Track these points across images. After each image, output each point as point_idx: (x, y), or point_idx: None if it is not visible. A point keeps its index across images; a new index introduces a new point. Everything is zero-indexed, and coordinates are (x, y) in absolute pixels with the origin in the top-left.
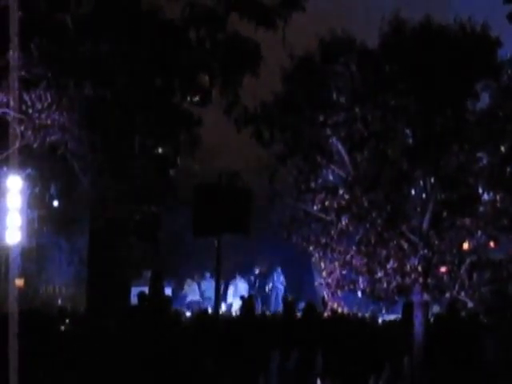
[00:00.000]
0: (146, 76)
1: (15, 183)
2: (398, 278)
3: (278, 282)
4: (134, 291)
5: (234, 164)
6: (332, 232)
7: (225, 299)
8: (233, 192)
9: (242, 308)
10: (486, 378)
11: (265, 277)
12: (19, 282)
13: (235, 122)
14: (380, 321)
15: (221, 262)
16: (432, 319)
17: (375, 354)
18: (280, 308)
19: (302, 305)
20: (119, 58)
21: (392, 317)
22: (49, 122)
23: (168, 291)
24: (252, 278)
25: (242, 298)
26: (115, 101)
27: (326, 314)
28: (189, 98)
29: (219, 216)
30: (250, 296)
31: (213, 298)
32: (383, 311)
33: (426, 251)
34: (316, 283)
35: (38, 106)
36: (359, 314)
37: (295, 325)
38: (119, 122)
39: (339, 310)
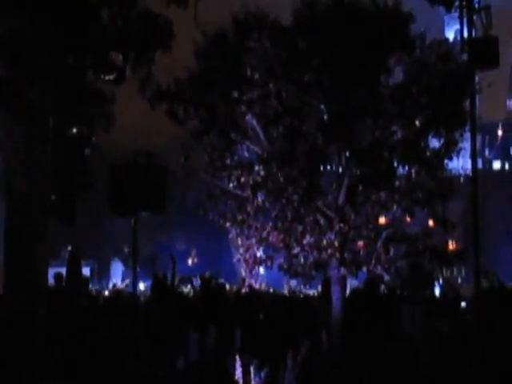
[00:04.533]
0: (58, 54)
1: None
2: (315, 254)
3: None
4: (52, 272)
5: (151, 142)
6: (248, 208)
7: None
8: (147, 170)
9: (155, 286)
10: (402, 350)
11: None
12: None
13: (149, 99)
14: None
15: (138, 241)
16: (349, 293)
17: (294, 329)
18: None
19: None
20: (30, 35)
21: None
22: None
23: (86, 271)
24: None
25: (154, 276)
26: (27, 80)
27: (243, 290)
28: (102, 76)
29: (134, 195)
30: (163, 275)
31: None
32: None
33: (342, 226)
34: (234, 260)
35: None
36: (280, 290)
37: (212, 302)
38: (31, 101)
39: (257, 286)
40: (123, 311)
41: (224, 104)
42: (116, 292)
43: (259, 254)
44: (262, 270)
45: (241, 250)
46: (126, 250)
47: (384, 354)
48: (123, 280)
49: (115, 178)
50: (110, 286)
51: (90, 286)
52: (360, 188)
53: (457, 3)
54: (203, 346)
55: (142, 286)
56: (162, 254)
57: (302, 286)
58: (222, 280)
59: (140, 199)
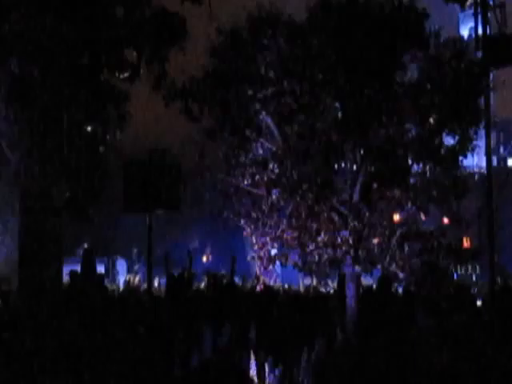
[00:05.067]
0: (73, 52)
1: None
2: (330, 251)
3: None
4: (67, 270)
5: (166, 140)
6: (263, 206)
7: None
8: (162, 168)
9: (170, 284)
10: (416, 349)
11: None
12: None
13: (163, 97)
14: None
15: (153, 239)
16: (362, 291)
17: (308, 326)
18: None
19: (236, 279)
20: (45, 33)
21: None
22: None
23: (101, 268)
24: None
25: (168, 274)
26: (42, 78)
27: (258, 288)
28: (117, 74)
29: (149, 192)
30: (182, 272)
31: None
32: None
33: (356, 223)
34: (248, 257)
35: None
36: (294, 287)
37: (225, 299)
38: (46, 99)
39: (271, 284)
40: (138, 309)
41: (238, 102)
42: (130, 289)
43: (274, 251)
44: (276, 267)
45: (255, 248)
46: (135, 249)
47: (398, 354)
48: (126, 281)
49: (130, 176)
50: (121, 283)
51: (106, 282)
52: (374, 185)
53: (471, 0)
54: (218, 344)
55: (155, 282)
56: (174, 252)
57: (314, 282)
58: (236, 277)
59: (155, 196)
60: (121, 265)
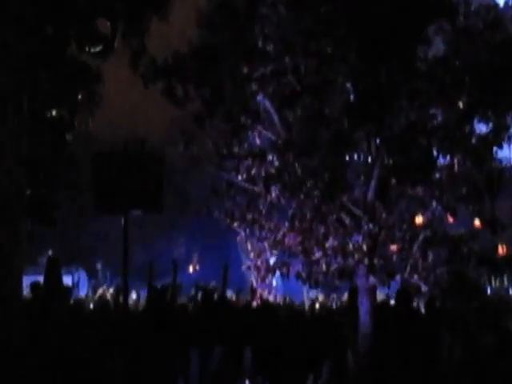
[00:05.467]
0: (34, 22)
1: None
2: (339, 259)
3: None
4: (28, 281)
5: (145, 128)
6: (260, 206)
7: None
8: (141, 161)
9: (152, 300)
10: (440, 378)
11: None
12: None
13: (142, 77)
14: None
15: (129, 245)
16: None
17: (314, 348)
18: None
19: (229, 293)
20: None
21: None
22: None
23: (67, 280)
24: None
25: (149, 286)
26: None
27: (254, 303)
28: (87, 49)
29: (125, 189)
30: (166, 285)
31: None
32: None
33: (371, 226)
34: (243, 267)
35: None
36: (297, 302)
37: (216, 317)
38: (1, 78)
39: (271, 298)
40: (113, 329)
41: (231, 82)
42: (103, 305)
43: (273, 259)
44: (276, 278)
45: (251, 255)
46: (99, 261)
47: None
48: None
49: (101, 170)
50: (94, 294)
51: (76, 294)
52: (393, 181)
53: None
54: (207, 370)
55: (133, 296)
56: (156, 261)
57: (321, 297)
58: (229, 291)
59: (132, 195)
60: (82, 277)
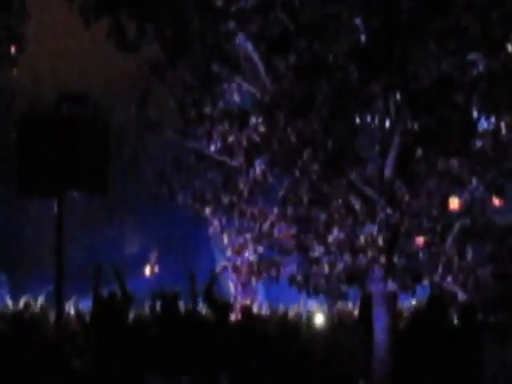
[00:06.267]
0: None
1: None
2: (347, 258)
3: None
4: None
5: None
6: (240, 185)
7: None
8: (80, 125)
9: (97, 313)
10: None
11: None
12: None
13: (81, 11)
14: None
15: (63, 240)
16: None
17: (314, 376)
18: None
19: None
20: None
21: None
22: None
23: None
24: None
25: (95, 297)
26: None
27: (233, 316)
28: None
29: (58, 165)
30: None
31: None
32: None
33: (389, 213)
34: (217, 268)
35: None
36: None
37: (182, 335)
38: None
39: (254, 309)
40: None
41: (200, 17)
42: (31, 319)
43: (257, 257)
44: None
45: (228, 253)
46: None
47: None
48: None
49: (27, 138)
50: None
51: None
52: (419, 152)
53: None
54: None
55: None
56: (100, 260)
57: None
58: (199, 300)
59: (68, 172)
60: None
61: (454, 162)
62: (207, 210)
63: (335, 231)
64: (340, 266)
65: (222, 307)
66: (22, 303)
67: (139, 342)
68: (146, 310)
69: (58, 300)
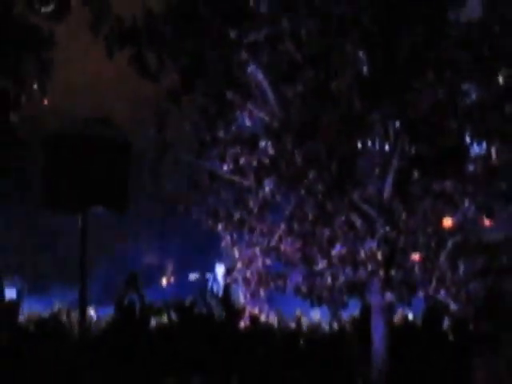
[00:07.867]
0: None
1: None
2: (348, 271)
3: None
4: None
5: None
6: (251, 203)
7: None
8: (102, 146)
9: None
10: None
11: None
12: None
13: (105, 41)
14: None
15: (86, 253)
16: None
17: (317, 381)
18: None
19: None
20: None
21: None
22: None
23: (11, 293)
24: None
25: (118, 304)
26: None
27: (242, 323)
28: (37, 7)
29: (82, 182)
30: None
31: None
32: None
33: (388, 230)
34: (228, 279)
35: None
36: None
37: (198, 338)
38: None
39: (263, 318)
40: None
41: (216, 49)
42: (55, 322)
43: (265, 269)
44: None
45: (239, 265)
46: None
47: None
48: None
49: (53, 157)
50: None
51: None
52: (415, 174)
53: None
54: None
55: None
56: (118, 271)
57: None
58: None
59: (90, 189)
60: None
61: (448, 185)
62: (220, 226)
63: (338, 246)
64: (342, 278)
65: (236, 312)
66: (50, 310)
67: (156, 346)
68: (164, 318)
69: (82, 308)
